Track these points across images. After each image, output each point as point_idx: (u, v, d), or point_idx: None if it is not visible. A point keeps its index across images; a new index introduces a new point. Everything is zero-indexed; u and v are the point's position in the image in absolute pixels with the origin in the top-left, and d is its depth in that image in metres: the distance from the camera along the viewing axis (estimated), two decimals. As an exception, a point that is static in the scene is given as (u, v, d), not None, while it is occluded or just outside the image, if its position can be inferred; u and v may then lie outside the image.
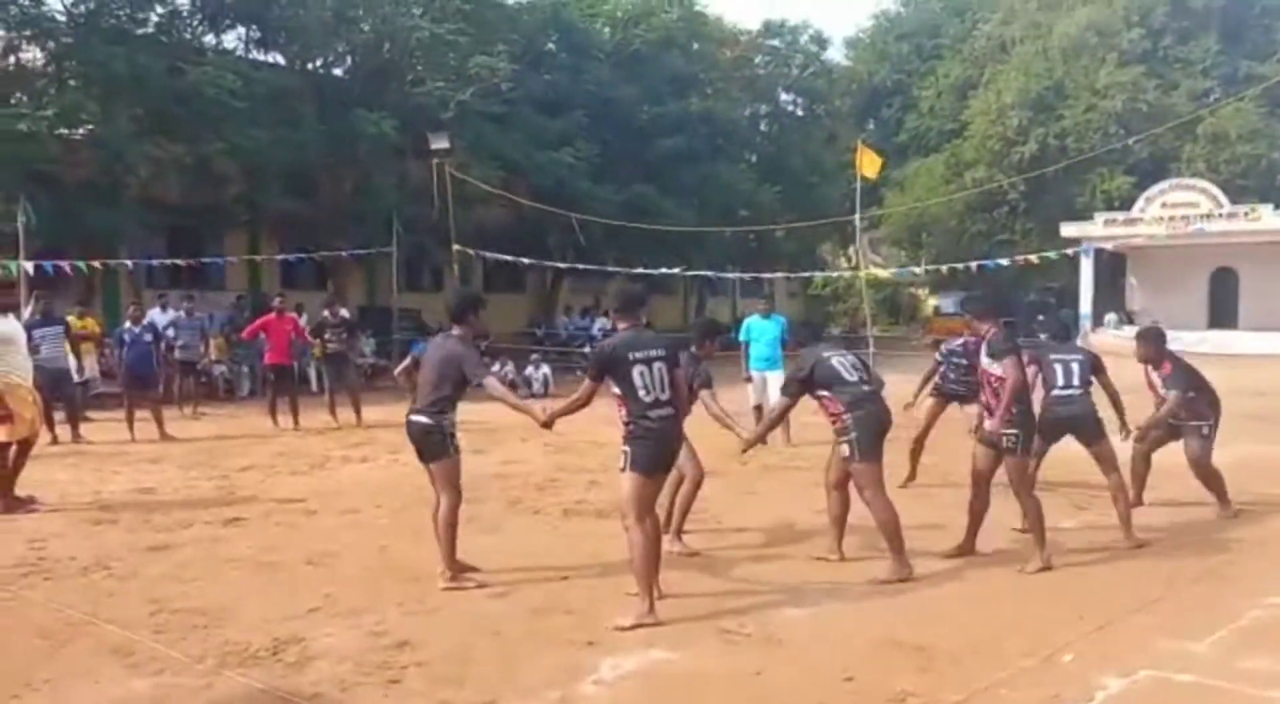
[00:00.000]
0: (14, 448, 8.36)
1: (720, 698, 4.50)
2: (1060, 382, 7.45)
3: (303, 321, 15.62)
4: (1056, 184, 30.91)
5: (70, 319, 13.78)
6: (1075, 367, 7.58)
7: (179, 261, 19.52)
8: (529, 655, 4.96)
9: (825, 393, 6.43)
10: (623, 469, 5.56)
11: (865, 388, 6.44)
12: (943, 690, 4.51)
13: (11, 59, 18.01)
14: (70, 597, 5.91)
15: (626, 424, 5.56)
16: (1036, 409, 6.96)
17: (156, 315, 16.46)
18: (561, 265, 20.13)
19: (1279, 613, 5.62)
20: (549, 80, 25.48)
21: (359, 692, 4.54)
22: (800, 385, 6.57)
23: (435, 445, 6.15)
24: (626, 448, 5.55)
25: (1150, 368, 8.15)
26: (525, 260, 19.88)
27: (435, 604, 5.79)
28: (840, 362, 6.54)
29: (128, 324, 13.36)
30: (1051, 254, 20.88)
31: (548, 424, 6.03)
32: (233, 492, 9.18)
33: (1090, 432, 7.38)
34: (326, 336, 14.30)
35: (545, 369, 19.29)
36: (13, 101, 17.30)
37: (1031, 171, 29.40)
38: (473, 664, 4.86)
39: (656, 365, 5.56)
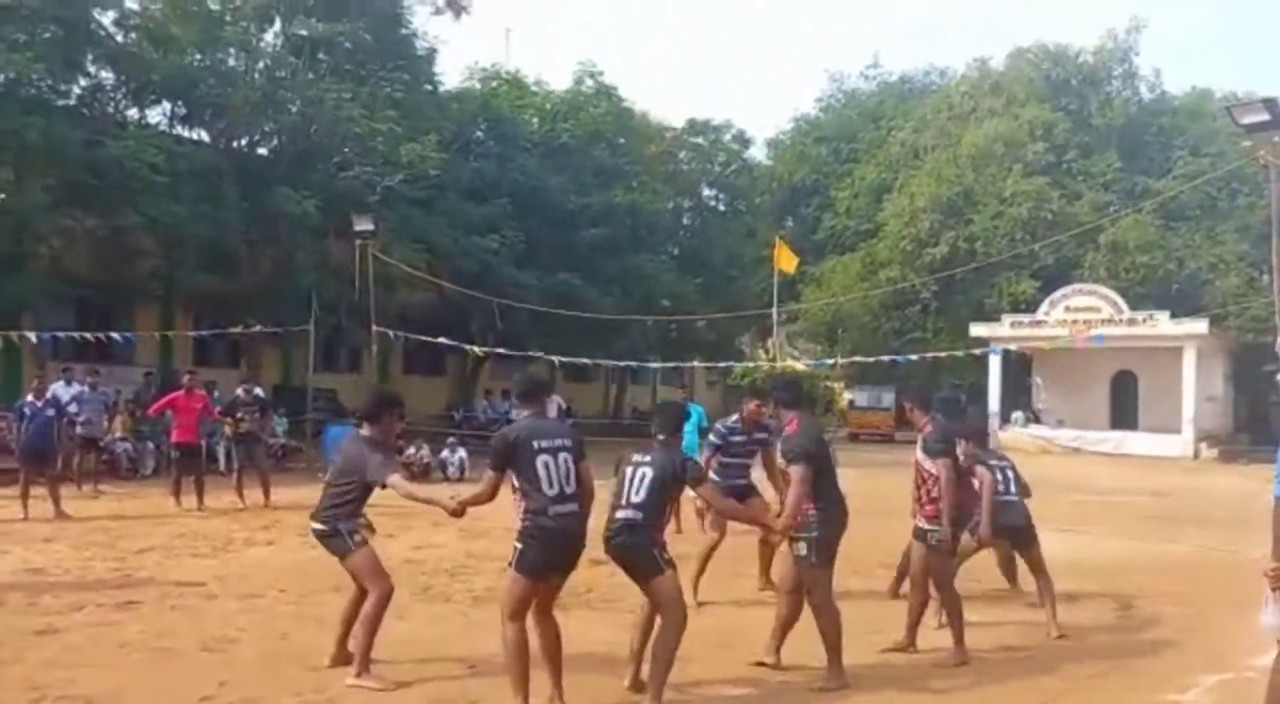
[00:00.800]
0: None
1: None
2: (1001, 488, 7.37)
3: (214, 399, 15.31)
4: (966, 285, 32.02)
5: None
6: (1010, 472, 7.65)
7: (86, 335, 19.01)
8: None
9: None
10: (509, 564, 5.32)
11: (837, 491, 6.17)
12: None
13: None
14: (-53, 683, 5.62)
15: (523, 520, 5.27)
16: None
17: (60, 389, 15.96)
18: (480, 350, 20.07)
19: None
20: (477, 167, 25.77)
21: (250, 785, 4.39)
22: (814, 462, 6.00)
23: (336, 546, 6.00)
24: (518, 544, 5.27)
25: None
26: (443, 341, 19.78)
27: (334, 694, 5.63)
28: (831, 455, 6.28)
29: (29, 398, 12.94)
30: (959, 352, 21.49)
31: (457, 513, 5.71)
32: (129, 574, 8.86)
33: (1028, 537, 7.53)
34: (239, 415, 14.04)
35: (462, 453, 19.07)
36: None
37: (942, 272, 30.42)
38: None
39: (562, 455, 5.24)
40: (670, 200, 33.55)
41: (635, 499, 5.37)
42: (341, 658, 6.02)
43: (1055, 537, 12.60)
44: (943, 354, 21.32)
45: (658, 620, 5.46)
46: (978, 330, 30.22)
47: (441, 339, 19.71)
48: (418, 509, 13.60)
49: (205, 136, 21.84)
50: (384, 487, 5.96)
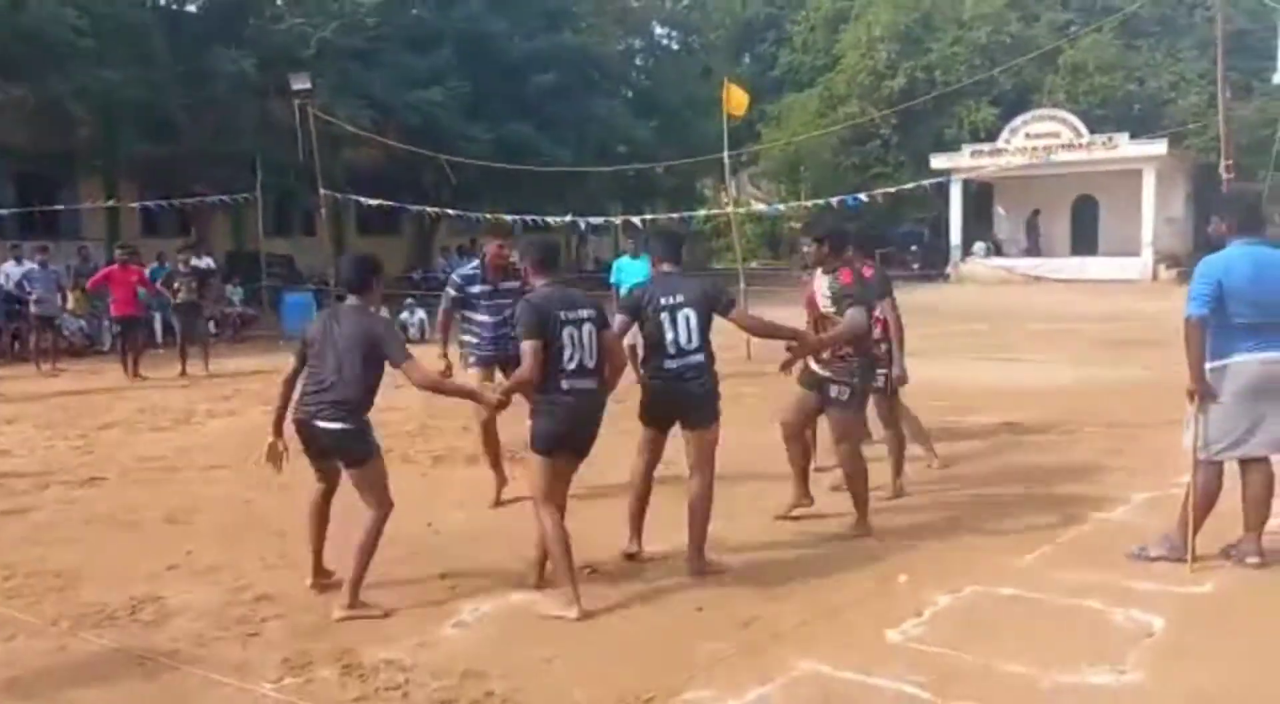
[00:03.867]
0: None
1: (576, 638, 4.62)
2: None
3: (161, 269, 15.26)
4: (926, 117, 31.64)
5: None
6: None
7: (30, 210, 18.59)
8: (391, 603, 5.03)
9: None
10: (526, 446, 5.13)
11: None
12: (786, 615, 4.76)
13: None
14: (-85, 566, 5.75)
15: (536, 394, 5.00)
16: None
17: (10, 268, 15.76)
18: (434, 211, 19.80)
19: (1097, 527, 6.06)
20: (416, 15, 24.89)
21: (217, 646, 4.57)
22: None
23: (358, 451, 5.06)
24: (530, 421, 5.03)
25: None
26: (395, 205, 19.48)
27: (298, 558, 5.79)
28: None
29: None
30: (919, 185, 21.42)
31: (502, 404, 5.21)
32: (92, 450, 8.97)
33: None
34: (175, 286, 14.12)
35: (421, 313, 19.05)
36: None
37: (901, 105, 30.01)
38: (331, 615, 4.91)
39: (586, 327, 4.97)
40: (621, 41, 32.62)
41: (691, 344, 5.23)
42: (323, 577, 5.34)
43: (999, 366, 13.05)
44: (906, 188, 21.20)
45: (693, 479, 5.38)
46: (938, 162, 30.03)
47: (392, 203, 19.35)
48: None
49: (130, -6, 20.87)
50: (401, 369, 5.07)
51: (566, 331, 4.91)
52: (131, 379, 13.48)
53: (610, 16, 31.41)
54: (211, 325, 16.53)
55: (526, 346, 4.91)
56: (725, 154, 14.80)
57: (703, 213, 27.31)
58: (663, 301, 5.27)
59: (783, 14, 39.67)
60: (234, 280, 20.03)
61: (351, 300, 5.19)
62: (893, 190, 20.14)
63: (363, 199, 18.76)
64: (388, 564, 5.61)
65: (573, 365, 4.92)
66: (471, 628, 4.75)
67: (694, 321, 5.27)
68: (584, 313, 5.01)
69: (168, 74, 19.16)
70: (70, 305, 16.23)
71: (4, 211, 18.64)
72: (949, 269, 30.95)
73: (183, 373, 13.71)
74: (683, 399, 5.32)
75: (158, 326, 17.26)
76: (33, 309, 14.82)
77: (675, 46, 36.85)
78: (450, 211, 19.71)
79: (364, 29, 20.80)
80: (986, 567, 5.33)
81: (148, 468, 8.23)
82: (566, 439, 4.99)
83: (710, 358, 5.37)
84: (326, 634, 4.67)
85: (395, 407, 10.88)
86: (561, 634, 4.64)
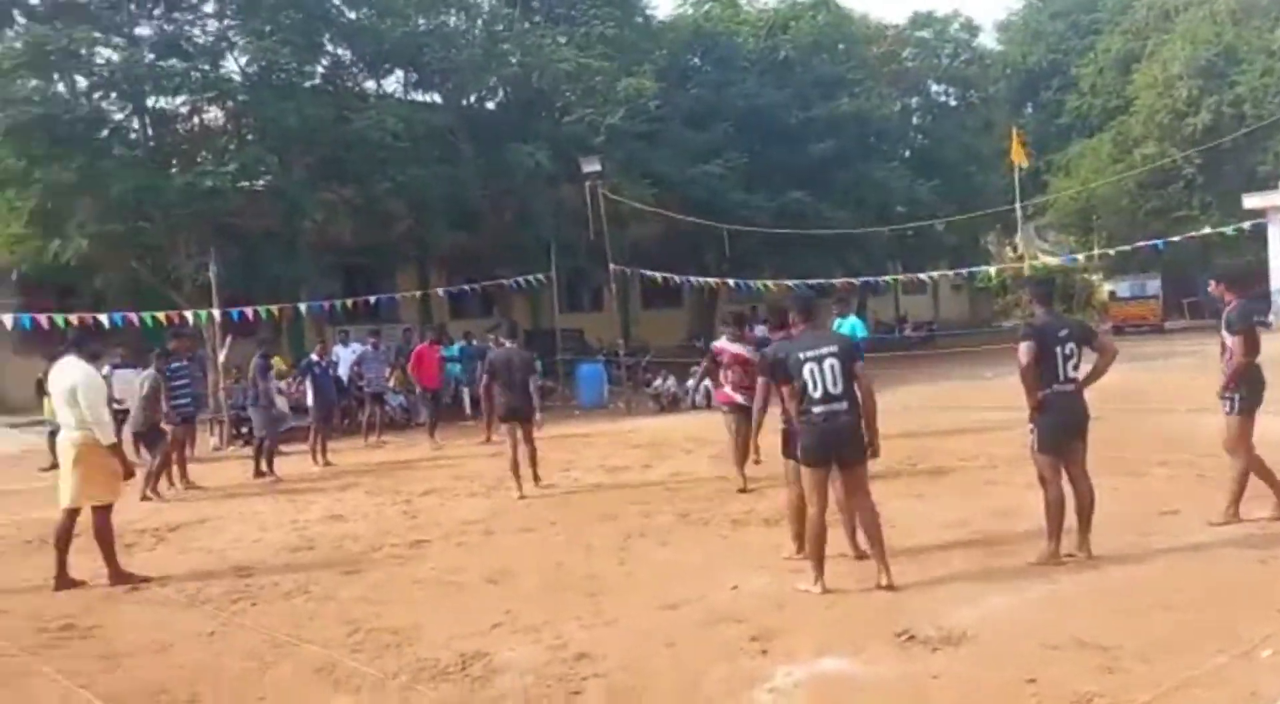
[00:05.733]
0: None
1: (896, 704, 4.47)
2: None
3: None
4: (1235, 154, 29.09)
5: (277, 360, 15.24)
6: None
7: (355, 300, 20.50)
8: (703, 666, 5.05)
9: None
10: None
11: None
12: (1131, 691, 4.36)
13: (195, 120, 19.41)
14: (275, 621, 6.34)
15: (798, 418, 6.14)
16: None
17: (339, 351, 17.43)
18: (714, 281, 20.17)
19: None
20: (695, 94, 25.68)
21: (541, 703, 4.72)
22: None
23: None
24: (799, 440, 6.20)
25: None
26: (678, 278, 20.01)
27: (611, 617, 5.95)
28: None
29: (314, 357, 14.23)
30: (1229, 230, 19.62)
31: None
32: (416, 515, 9.62)
33: None
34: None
35: (706, 382, 19.32)
36: (199, 160, 18.64)
37: (1206, 143, 27.77)
38: (649, 675, 4.98)
39: (828, 362, 6.01)
40: (897, 102, 32.24)
41: (836, 390, 6.03)
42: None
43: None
44: (1211, 231, 19.47)
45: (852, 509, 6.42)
46: (1251, 202, 27.43)
47: (674, 277, 19.88)
48: (668, 438, 14.07)
49: (437, 99, 22.88)
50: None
51: (807, 368, 6.01)
52: (436, 447, 14.60)
53: (886, 79, 31.19)
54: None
55: (761, 383, 7.00)
56: (1018, 204, 14.20)
57: (992, 268, 26.19)
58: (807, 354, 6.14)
59: (1067, 59, 37.93)
60: (533, 355, 21.17)
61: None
62: (1200, 234, 18.53)
63: (648, 272, 19.38)
64: (698, 627, 5.67)
65: (818, 393, 6.00)
66: (788, 694, 4.66)
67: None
68: (825, 350, 6.06)
69: (470, 169, 20.75)
70: (392, 383, 17.69)
71: (336, 302, 20.64)
72: (1270, 317, 28.03)
73: (487, 440, 14.56)
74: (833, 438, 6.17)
75: (466, 400, 18.43)
76: (365, 387, 16.35)
77: (953, 102, 35.95)
78: (730, 282, 20.01)
79: (647, 112, 21.71)
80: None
81: (466, 531, 8.73)
82: (826, 451, 6.07)
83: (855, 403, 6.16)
84: (644, 694, 4.73)
85: (686, 472, 11.11)
86: (881, 701, 4.47)
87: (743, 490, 9.40)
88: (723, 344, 9.99)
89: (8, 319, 15.02)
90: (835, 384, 6.00)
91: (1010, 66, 39.71)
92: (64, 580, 7.45)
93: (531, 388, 10.46)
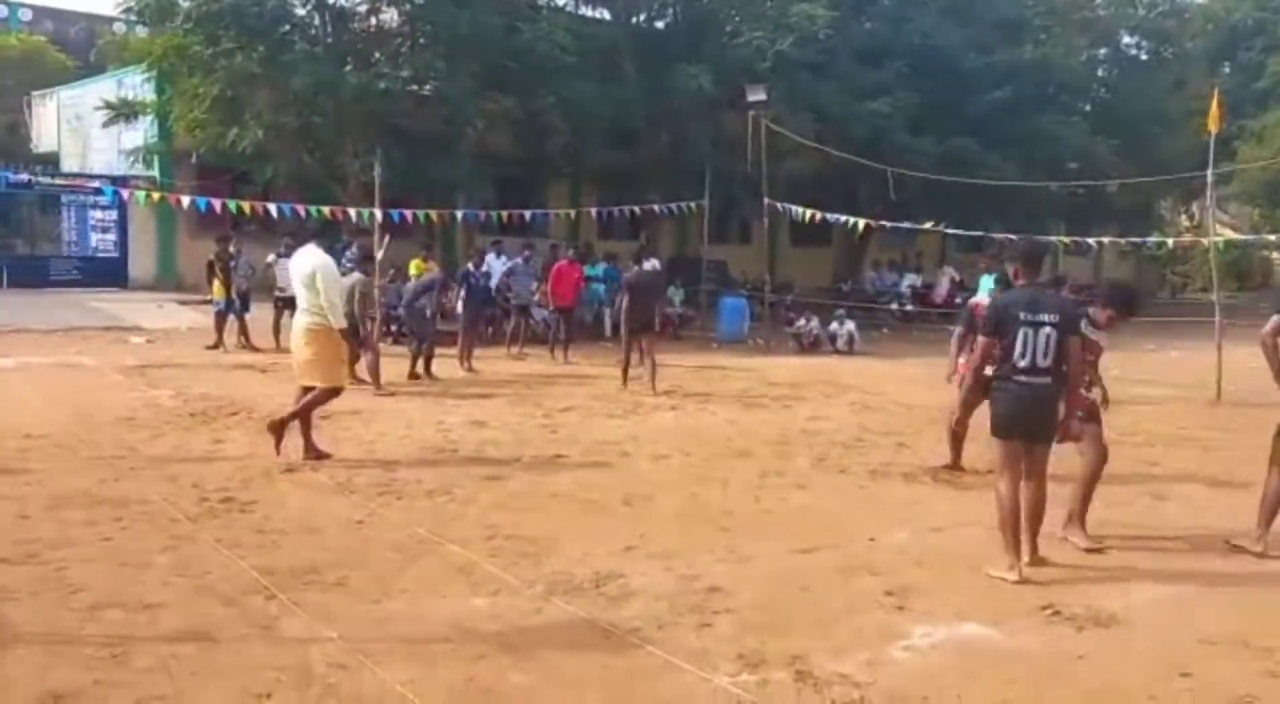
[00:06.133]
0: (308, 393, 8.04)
1: (1036, 681, 4.33)
2: None
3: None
4: None
5: (415, 263, 15.44)
6: None
7: (507, 212, 20.75)
8: (837, 614, 5.00)
9: None
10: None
11: None
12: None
13: (373, 20, 19.77)
14: (419, 517, 6.55)
15: (992, 382, 5.68)
16: None
17: (492, 261, 17.72)
18: (870, 222, 19.62)
19: None
20: (869, 28, 24.77)
21: (674, 631, 4.76)
22: None
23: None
24: (989, 407, 5.70)
25: None
26: (834, 216, 19.53)
27: (746, 554, 5.94)
28: None
29: (470, 267, 14.53)
30: None
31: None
32: (556, 430, 9.77)
33: None
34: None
35: (850, 325, 19.01)
36: (373, 60, 19.02)
37: None
38: (782, 615, 4.96)
39: (1044, 331, 5.46)
40: (1084, 52, 30.46)
41: (1044, 362, 5.49)
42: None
43: None
44: None
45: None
46: None
47: (829, 215, 19.43)
48: (810, 379, 13.93)
49: (606, 15, 22.69)
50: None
51: (1022, 332, 5.44)
52: (563, 364, 14.88)
53: (1075, 26, 29.43)
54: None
55: (981, 341, 5.80)
56: (1209, 171, 13.28)
57: (1169, 239, 24.78)
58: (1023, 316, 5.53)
59: (1276, 19, 35.20)
60: (676, 283, 21.12)
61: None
62: None
63: (803, 208, 18.98)
64: (833, 574, 5.61)
65: (1024, 362, 5.46)
66: (924, 654, 4.57)
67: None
68: (1045, 317, 5.47)
69: (633, 89, 20.59)
70: (538, 297, 17.92)
71: (487, 213, 20.95)
72: None
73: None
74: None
75: (606, 321, 18.54)
76: (512, 300, 16.64)
77: (1144, 57, 33.77)
78: (887, 224, 19.47)
79: (816, 42, 21.08)
80: None
81: (604, 451, 8.83)
82: (1017, 425, 5.57)
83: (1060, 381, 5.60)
84: (776, 635, 4.71)
85: (825, 416, 10.99)
86: (1017, 673, 4.35)
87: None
88: (983, 298, 8.46)
89: (185, 200, 15.73)
90: (1045, 356, 5.46)
91: (1212, 21, 37.08)
92: (312, 451, 7.99)
93: (659, 308, 11.09)
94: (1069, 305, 5.84)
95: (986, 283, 11.62)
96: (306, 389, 8.01)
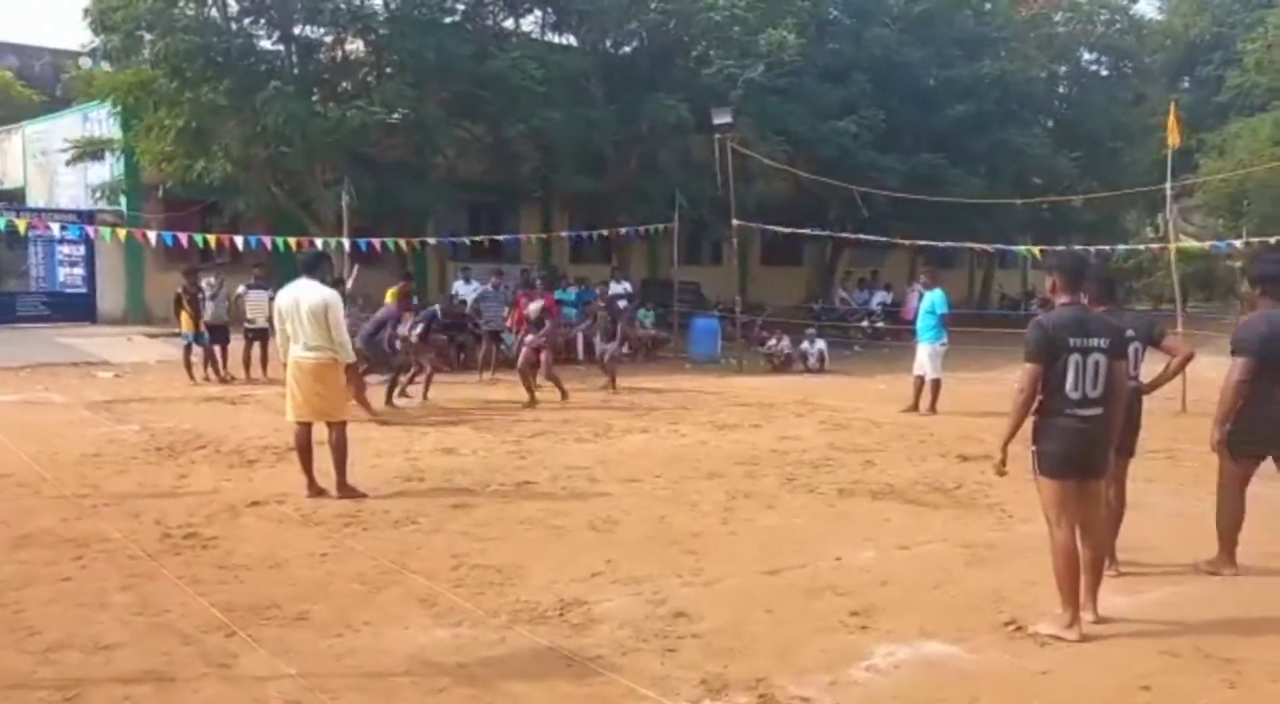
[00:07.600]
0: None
1: (999, 697, 4.34)
2: None
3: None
4: None
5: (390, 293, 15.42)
6: None
7: (480, 239, 20.75)
8: (801, 636, 5.00)
9: None
10: (1031, 470, 5.07)
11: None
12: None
13: (338, 51, 19.80)
14: (384, 548, 6.50)
15: (1037, 418, 5.01)
16: None
17: (460, 287, 17.72)
18: (844, 236, 19.79)
19: None
20: (833, 49, 25.00)
21: (638, 657, 4.74)
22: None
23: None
24: (1034, 447, 5.02)
25: None
26: (804, 231, 19.69)
27: (712, 577, 5.94)
28: None
29: (437, 310, 14.50)
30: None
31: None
32: (524, 455, 9.74)
33: None
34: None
35: (821, 344, 19.12)
36: (339, 90, 19.04)
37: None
38: (747, 640, 4.95)
39: (1094, 357, 4.87)
40: (1044, 68, 30.88)
41: (1095, 392, 4.90)
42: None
43: None
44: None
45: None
46: None
47: (800, 231, 19.60)
48: (780, 400, 13.96)
49: (574, 41, 22.82)
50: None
51: (1073, 359, 4.87)
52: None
53: (1033, 43, 29.84)
54: (625, 347, 17.50)
55: (1026, 368, 4.96)
56: (1168, 184, 13.48)
57: (1139, 246, 25.06)
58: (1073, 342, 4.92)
59: (1233, 34, 35.78)
60: (647, 305, 21.19)
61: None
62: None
63: (774, 228, 19.11)
64: (798, 596, 5.62)
65: (1076, 395, 4.88)
66: (886, 675, 4.58)
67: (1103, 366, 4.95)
68: (1095, 341, 4.89)
69: (602, 114, 20.70)
70: (509, 323, 17.91)
71: (459, 240, 20.97)
72: None
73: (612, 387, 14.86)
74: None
75: (579, 345, 18.54)
76: (483, 325, 16.61)
77: (1104, 72, 34.24)
78: (862, 236, 19.67)
79: (784, 66, 21.24)
80: None
81: (573, 475, 8.81)
82: (1073, 465, 4.97)
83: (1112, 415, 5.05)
84: (741, 658, 4.70)
85: (794, 435, 11.02)
86: (979, 692, 4.36)
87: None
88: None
89: (151, 235, 15.66)
90: (1095, 386, 4.88)
91: (1170, 37, 37.66)
92: (314, 488, 7.91)
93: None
94: (1118, 328, 5.14)
95: (924, 298, 12.02)
96: (303, 425, 7.93)
